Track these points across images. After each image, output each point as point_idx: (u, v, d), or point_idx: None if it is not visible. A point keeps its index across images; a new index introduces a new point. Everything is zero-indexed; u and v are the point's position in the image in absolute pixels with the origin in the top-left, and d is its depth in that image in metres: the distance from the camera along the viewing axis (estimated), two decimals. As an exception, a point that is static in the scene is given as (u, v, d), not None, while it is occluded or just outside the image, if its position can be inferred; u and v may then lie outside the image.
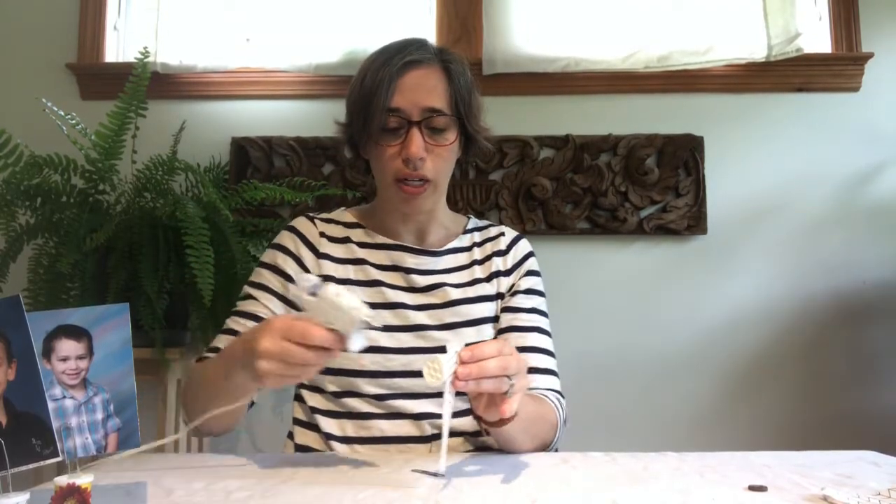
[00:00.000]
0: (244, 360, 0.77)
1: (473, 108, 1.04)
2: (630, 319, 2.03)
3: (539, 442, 0.96)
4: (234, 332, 1.02)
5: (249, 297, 1.05)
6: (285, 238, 1.08)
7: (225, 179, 2.06)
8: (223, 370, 0.86)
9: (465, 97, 1.03)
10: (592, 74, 2.07)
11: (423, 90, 0.99)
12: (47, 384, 0.66)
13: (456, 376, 0.73)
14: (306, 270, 1.05)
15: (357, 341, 0.73)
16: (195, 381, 0.98)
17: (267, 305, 1.03)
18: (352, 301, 0.72)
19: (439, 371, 0.72)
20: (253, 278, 1.07)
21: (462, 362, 0.74)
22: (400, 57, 0.99)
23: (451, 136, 1.02)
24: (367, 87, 0.99)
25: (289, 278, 1.04)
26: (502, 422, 0.83)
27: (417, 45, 1.02)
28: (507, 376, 0.76)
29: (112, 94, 1.78)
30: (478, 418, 0.88)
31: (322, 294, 0.72)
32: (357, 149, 1.08)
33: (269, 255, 1.08)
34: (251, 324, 1.02)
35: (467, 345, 0.76)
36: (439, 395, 0.76)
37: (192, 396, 0.96)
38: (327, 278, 1.04)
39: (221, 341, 1.03)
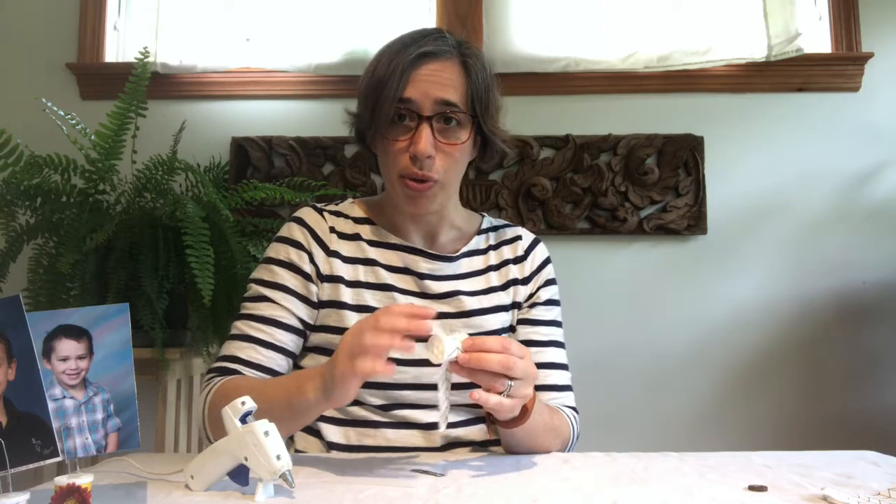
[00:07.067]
0: (330, 368, 0.77)
1: (491, 107, 0.98)
2: (630, 319, 2.03)
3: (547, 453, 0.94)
4: (250, 339, 0.95)
5: (264, 298, 0.97)
6: (295, 231, 1.01)
7: (225, 179, 2.06)
8: (292, 386, 0.83)
9: (483, 95, 0.96)
10: (592, 74, 2.07)
11: (438, 83, 0.93)
12: (47, 384, 0.66)
13: (456, 361, 0.75)
14: (317, 268, 0.99)
15: (264, 490, 0.67)
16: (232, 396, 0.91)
17: (288, 308, 0.97)
18: (276, 447, 0.67)
19: (441, 352, 0.74)
20: (263, 276, 1.00)
21: (463, 350, 0.75)
22: (416, 47, 0.93)
23: (464, 135, 0.96)
24: (379, 76, 0.93)
25: (307, 276, 0.98)
26: (512, 423, 0.83)
27: (435, 35, 0.96)
28: (509, 377, 0.76)
29: (112, 94, 1.78)
30: (488, 419, 0.88)
31: (250, 427, 0.67)
32: (366, 142, 1.02)
33: (281, 251, 1.00)
34: (272, 330, 0.96)
35: (471, 334, 0.77)
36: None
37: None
38: (337, 279, 0.99)
39: (238, 349, 0.95)
